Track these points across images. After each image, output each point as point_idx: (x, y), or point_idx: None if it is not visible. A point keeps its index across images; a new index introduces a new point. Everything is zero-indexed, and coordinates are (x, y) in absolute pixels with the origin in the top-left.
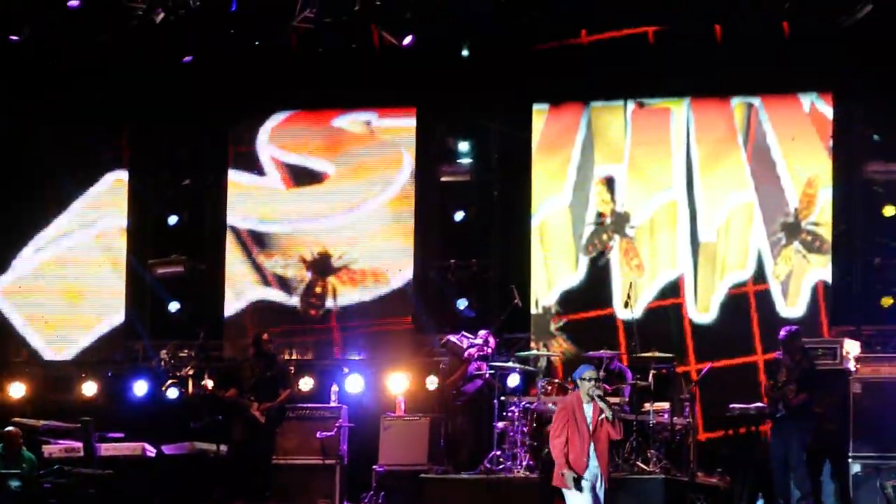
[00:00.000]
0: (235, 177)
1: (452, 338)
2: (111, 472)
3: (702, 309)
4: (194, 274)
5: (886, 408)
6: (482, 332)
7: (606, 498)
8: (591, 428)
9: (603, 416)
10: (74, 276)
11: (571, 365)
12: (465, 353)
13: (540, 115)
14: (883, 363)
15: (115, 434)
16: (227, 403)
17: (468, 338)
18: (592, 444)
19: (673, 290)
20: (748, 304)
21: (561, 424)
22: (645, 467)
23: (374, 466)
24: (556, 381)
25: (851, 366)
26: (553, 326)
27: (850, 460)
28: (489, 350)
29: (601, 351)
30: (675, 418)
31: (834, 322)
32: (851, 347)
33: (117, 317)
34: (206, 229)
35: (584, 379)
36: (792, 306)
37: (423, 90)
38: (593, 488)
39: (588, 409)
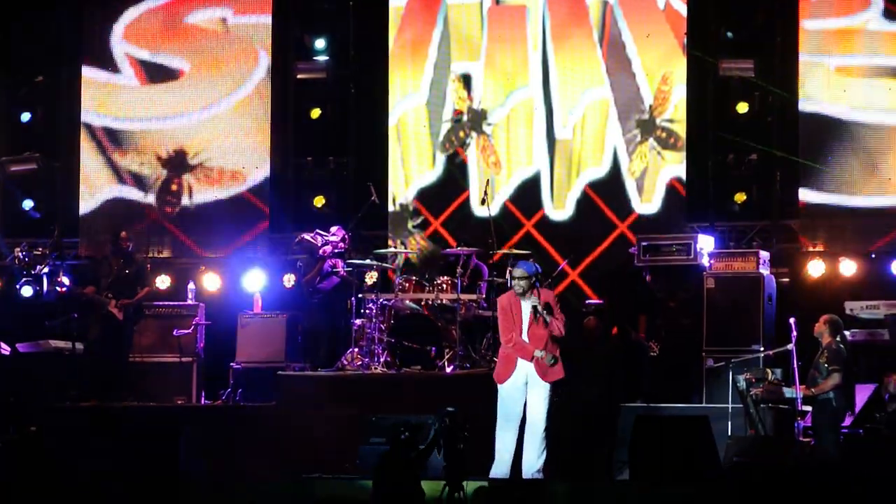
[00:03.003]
0: (89, 73)
1: (307, 236)
2: None
3: (558, 206)
4: (48, 171)
5: (738, 303)
6: (334, 229)
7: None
8: (525, 324)
9: (539, 314)
10: None
11: (428, 262)
12: (321, 251)
13: (397, 11)
14: (736, 258)
15: None
16: (84, 301)
17: (322, 235)
18: (528, 341)
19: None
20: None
21: (506, 324)
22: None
23: (231, 364)
24: (413, 278)
25: (705, 261)
26: (410, 224)
27: (703, 354)
28: (343, 246)
29: (458, 248)
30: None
31: (688, 219)
32: (705, 243)
33: None
34: (59, 126)
35: (513, 277)
36: (647, 202)
37: None
38: (525, 385)
39: (525, 306)
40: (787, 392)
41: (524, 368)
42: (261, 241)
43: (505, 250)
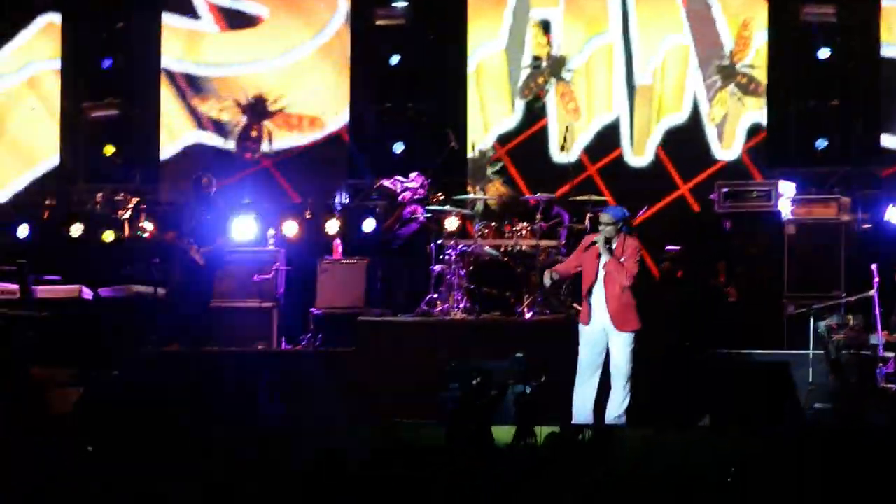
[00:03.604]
0: (169, 20)
1: (386, 182)
2: (47, 315)
3: (638, 153)
4: (129, 117)
5: (820, 249)
6: (414, 175)
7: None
8: (601, 271)
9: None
10: (7, 119)
11: (508, 208)
12: (400, 197)
13: None
14: (817, 205)
15: (51, 277)
16: (166, 246)
17: (401, 181)
18: (603, 288)
19: (611, 133)
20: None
21: (569, 260)
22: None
23: (311, 309)
24: (493, 224)
25: (786, 208)
26: (489, 170)
27: (784, 301)
28: (423, 192)
29: (538, 194)
30: None
31: (769, 164)
32: (786, 189)
33: (52, 160)
34: (140, 73)
35: (599, 222)
36: (727, 148)
37: None
38: (604, 332)
39: (605, 253)
40: (870, 338)
41: (601, 317)
42: (341, 186)
43: (584, 197)
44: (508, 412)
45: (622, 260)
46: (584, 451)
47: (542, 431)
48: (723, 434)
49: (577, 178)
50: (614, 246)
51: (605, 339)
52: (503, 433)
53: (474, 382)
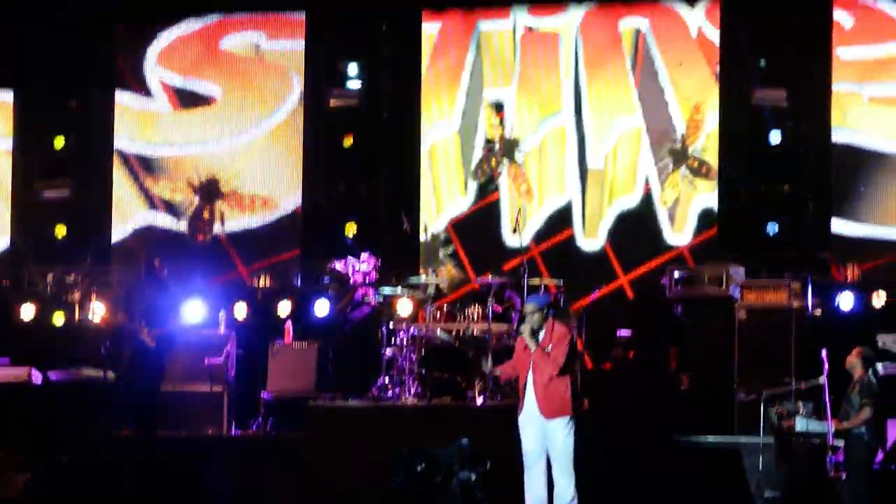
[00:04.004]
0: (123, 99)
1: (338, 265)
2: None
3: (590, 235)
4: (81, 198)
5: (771, 334)
6: (365, 256)
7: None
8: (529, 361)
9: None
10: None
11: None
12: (351, 280)
13: (430, 38)
14: (768, 290)
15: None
16: (117, 328)
17: (353, 264)
18: (531, 377)
19: (563, 216)
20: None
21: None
22: None
23: (262, 393)
24: (445, 307)
25: (737, 292)
26: (442, 253)
27: (735, 386)
28: (375, 275)
29: (490, 277)
30: None
31: (720, 248)
32: (737, 274)
33: (2, 241)
34: (92, 152)
35: (525, 313)
36: (679, 232)
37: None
38: (537, 420)
39: (531, 343)
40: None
41: (532, 406)
42: (292, 268)
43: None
44: (455, 499)
45: (549, 349)
46: None
47: None
48: None
49: (526, 258)
50: (542, 334)
51: (541, 428)
52: None
53: (419, 469)
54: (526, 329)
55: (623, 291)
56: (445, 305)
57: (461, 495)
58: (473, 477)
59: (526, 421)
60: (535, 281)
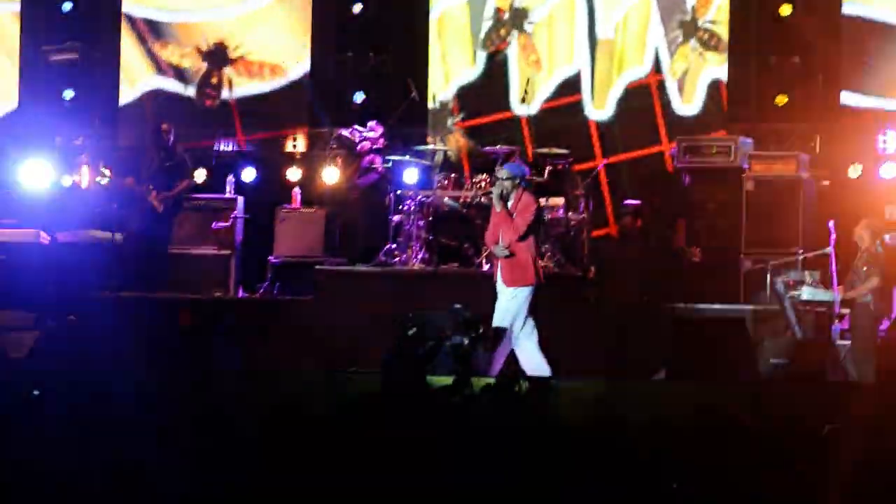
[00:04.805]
0: None
1: (345, 132)
2: (3, 258)
3: (598, 106)
4: (89, 61)
5: (778, 205)
6: (371, 124)
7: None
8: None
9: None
10: None
11: (468, 160)
12: (358, 147)
13: None
14: (776, 161)
15: (7, 220)
16: (125, 191)
17: (360, 131)
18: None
19: (571, 86)
20: (649, 97)
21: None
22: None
23: (269, 257)
24: (453, 175)
25: (745, 163)
26: (450, 121)
27: (741, 257)
28: (382, 142)
29: (498, 146)
30: (570, 213)
31: (729, 120)
32: (745, 145)
33: (10, 104)
34: (100, 16)
35: (497, 177)
36: (688, 103)
37: None
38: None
39: (497, 204)
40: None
41: (497, 269)
42: (300, 135)
43: (544, 150)
44: (445, 362)
45: (514, 216)
46: (520, 401)
47: (480, 383)
48: (677, 386)
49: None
50: (511, 202)
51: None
52: (439, 383)
53: (409, 333)
54: (495, 192)
55: (631, 161)
56: (454, 173)
57: (453, 359)
58: (465, 342)
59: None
60: (543, 150)
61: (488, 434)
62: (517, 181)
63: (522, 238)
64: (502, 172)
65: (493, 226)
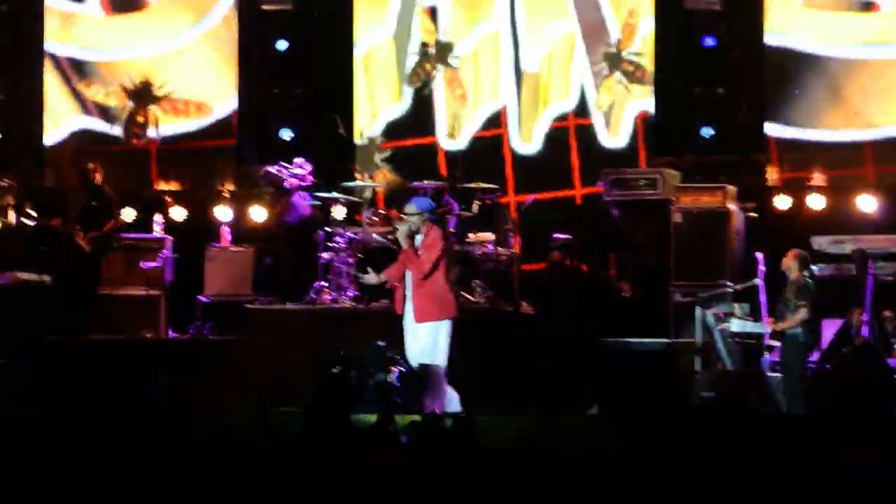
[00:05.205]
0: (53, 2)
1: (272, 169)
2: None
3: (525, 139)
4: (12, 101)
5: (706, 237)
6: (299, 160)
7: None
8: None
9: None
10: None
11: (395, 196)
12: (286, 184)
13: None
14: (703, 193)
15: None
16: (52, 233)
17: (287, 168)
18: (407, 279)
19: (496, 121)
20: (569, 138)
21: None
22: (470, 297)
23: (198, 297)
24: (381, 211)
25: (672, 196)
26: (377, 157)
27: (671, 289)
28: (310, 179)
29: (425, 181)
30: (500, 248)
31: (656, 153)
32: (671, 177)
33: None
34: (23, 55)
35: (404, 213)
36: (614, 136)
37: None
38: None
39: (404, 244)
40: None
41: (409, 306)
42: (227, 173)
43: (473, 185)
44: (370, 401)
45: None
46: (446, 437)
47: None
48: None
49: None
50: (420, 238)
51: (413, 331)
52: (364, 420)
53: (333, 371)
54: (401, 230)
55: (561, 196)
56: (381, 209)
57: (377, 397)
58: (388, 379)
59: (406, 323)
60: (471, 185)
61: (413, 468)
62: (425, 216)
63: (428, 275)
64: (409, 208)
65: (400, 263)
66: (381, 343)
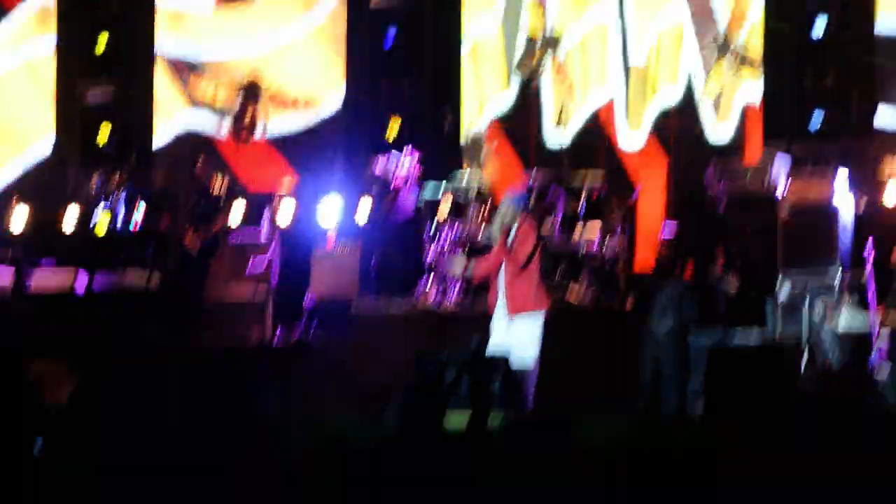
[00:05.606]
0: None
1: (381, 164)
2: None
3: (633, 126)
4: (124, 100)
5: (815, 227)
6: (407, 150)
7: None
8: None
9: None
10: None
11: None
12: (393, 182)
13: None
14: (812, 182)
15: (46, 262)
16: (160, 233)
17: (395, 162)
18: (502, 273)
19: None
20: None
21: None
22: (573, 294)
23: (305, 299)
24: (488, 206)
25: (781, 184)
26: (485, 149)
27: (778, 281)
28: (417, 173)
29: (532, 173)
30: (606, 241)
31: (765, 140)
32: (781, 165)
33: (46, 144)
34: (134, 53)
35: (499, 210)
36: (723, 122)
37: None
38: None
39: (497, 238)
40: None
41: (502, 300)
42: (336, 167)
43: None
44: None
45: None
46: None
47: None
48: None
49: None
50: (513, 233)
51: (507, 325)
52: (456, 419)
53: (427, 370)
54: (495, 224)
55: (667, 188)
56: (489, 204)
57: (469, 398)
58: (485, 379)
59: (497, 319)
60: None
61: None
62: (519, 210)
63: (523, 267)
64: (503, 203)
65: (492, 257)
66: (477, 340)
